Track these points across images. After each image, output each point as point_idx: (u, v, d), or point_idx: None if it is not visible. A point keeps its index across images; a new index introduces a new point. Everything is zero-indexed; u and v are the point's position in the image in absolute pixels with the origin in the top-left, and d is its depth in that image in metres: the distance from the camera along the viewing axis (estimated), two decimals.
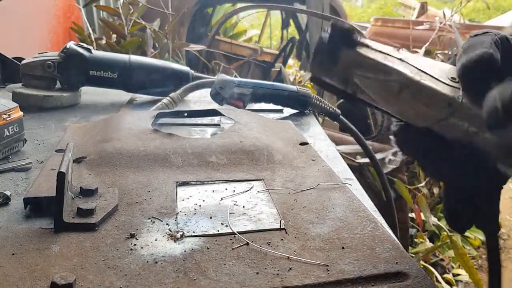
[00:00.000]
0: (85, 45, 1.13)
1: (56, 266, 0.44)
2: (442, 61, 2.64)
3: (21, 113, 0.75)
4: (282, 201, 0.60)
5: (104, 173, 0.65)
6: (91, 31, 2.22)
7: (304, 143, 0.80)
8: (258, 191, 0.63)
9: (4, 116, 0.71)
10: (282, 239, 0.51)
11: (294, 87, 1.09)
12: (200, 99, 1.20)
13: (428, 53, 2.79)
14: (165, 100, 1.05)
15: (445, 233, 2.23)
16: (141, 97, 1.22)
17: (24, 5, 2.02)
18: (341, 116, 1.14)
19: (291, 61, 3.52)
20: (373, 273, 0.45)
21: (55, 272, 0.43)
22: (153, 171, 0.67)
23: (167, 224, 0.53)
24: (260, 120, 0.91)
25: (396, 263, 0.47)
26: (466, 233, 2.67)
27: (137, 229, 0.52)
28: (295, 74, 3.47)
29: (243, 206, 0.59)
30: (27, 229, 0.51)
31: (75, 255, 0.47)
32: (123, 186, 0.62)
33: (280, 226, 0.53)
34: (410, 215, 2.37)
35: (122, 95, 1.20)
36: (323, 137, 0.95)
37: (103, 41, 2.10)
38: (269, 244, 0.50)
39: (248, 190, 0.64)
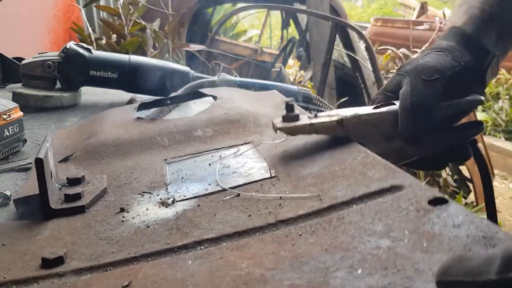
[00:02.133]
0: (85, 45, 1.12)
1: (47, 247, 0.44)
2: None
3: (21, 113, 0.75)
4: (271, 155, 0.60)
5: (92, 165, 0.65)
6: (91, 31, 2.22)
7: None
8: (246, 151, 0.64)
9: (4, 116, 0.71)
10: (273, 185, 0.51)
11: (294, 87, 1.10)
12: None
13: None
14: None
15: None
16: (141, 97, 1.21)
17: (24, 6, 2.02)
18: None
19: (291, 61, 3.52)
20: (366, 192, 0.44)
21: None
22: (140, 155, 0.67)
23: (157, 195, 0.53)
24: (243, 93, 0.91)
25: (389, 179, 0.46)
26: None
27: (127, 204, 0.52)
28: (295, 74, 3.47)
29: (228, 166, 0.59)
30: (17, 224, 0.51)
31: (66, 235, 0.46)
32: (111, 173, 0.61)
33: (271, 175, 0.54)
34: None
35: (122, 95, 1.20)
36: None
37: (103, 41, 2.10)
38: (260, 191, 0.50)
39: (235, 153, 0.64)
